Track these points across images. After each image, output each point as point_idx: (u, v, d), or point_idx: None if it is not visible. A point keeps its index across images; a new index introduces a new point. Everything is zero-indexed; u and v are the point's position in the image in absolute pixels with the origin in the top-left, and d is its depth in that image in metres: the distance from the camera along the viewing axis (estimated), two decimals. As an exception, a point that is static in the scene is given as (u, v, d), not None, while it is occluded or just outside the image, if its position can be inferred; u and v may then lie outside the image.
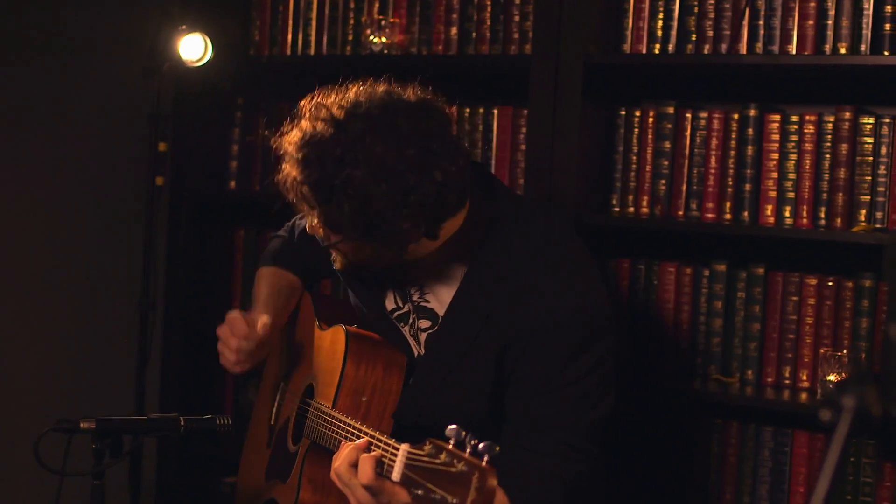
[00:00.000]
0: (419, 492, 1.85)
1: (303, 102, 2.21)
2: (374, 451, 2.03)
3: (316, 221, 2.20)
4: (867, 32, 2.84)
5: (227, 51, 3.47)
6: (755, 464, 2.97)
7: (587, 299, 2.26)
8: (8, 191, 3.49)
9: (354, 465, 2.02)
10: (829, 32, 2.87)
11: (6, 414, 3.49)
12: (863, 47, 2.84)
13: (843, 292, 2.91)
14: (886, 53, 2.81)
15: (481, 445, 1.78)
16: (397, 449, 1.93)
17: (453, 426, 1.83)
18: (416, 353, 2.41)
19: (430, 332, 2.38)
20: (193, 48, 3.30)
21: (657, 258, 3.08)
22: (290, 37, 3.53)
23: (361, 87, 2.19)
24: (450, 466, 1.81)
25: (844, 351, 2.84)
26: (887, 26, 2.82)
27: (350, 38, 3.45)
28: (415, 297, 2.41)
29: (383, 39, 3.33)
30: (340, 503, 2.28)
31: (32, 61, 3.52)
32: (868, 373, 1.28)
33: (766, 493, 2.96)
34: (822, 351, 2.87)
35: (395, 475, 1.90)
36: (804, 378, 2.95)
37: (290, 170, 2.16)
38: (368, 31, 3.36)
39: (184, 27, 3.29)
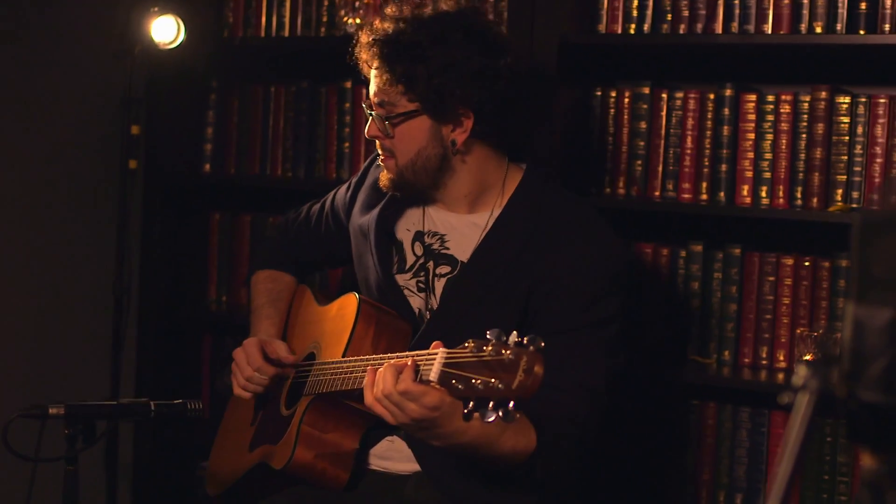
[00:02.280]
0: (460, 386, 1.86)
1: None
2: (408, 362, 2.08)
3: (387, 84, 2.42)
4: (843, 11, 2.83)
5: (200, 33, 3.44)
6: (732, 444, 2.97)
7: (613, 249, 2.47)
8: (-20, 175, 3.46)
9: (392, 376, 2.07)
10: (805, 11, 2.86)
11: (-20, 400, 3.47)
12: (838, 26, 2.83)
13: (820, 272, 2.91)
14: (862, 32, 2.80)
15: (526, 339, 1.84)
16: (434, 353, 1.96)
17: (494, 329, 1.87)
18: (418, 311, 2.49)
19: (450, 276, 2.49)
20: (166, 30, 3.28)
21: (633, 239, 3.07)
22: (263, 18, 3.50)
23: None
24: (496, 356, 1.84)
25: (821, 331, 2.84)
26: (863, 5, 2.80)
27: (324, 19, 3.42)
28: (435, 246, 2.52)
29: (357, 21, 3.31)
30: (335, 458, 2.40)
31: (1, 44, 3.48)
32: (836, 355, 1.27)
33: (743, 474, 2.96)
34: (798, 331, 2.87)
35: (433, 375, 1.92)
36: (781, 358, 2.95)
37: (366, 37, 2.45)
38: (343, 13, 3.33)
39: (156, 9, 3.26)
